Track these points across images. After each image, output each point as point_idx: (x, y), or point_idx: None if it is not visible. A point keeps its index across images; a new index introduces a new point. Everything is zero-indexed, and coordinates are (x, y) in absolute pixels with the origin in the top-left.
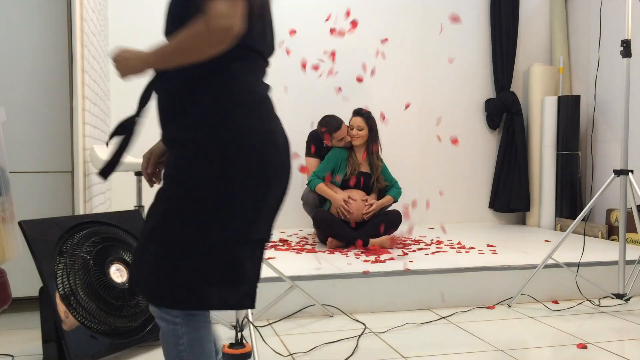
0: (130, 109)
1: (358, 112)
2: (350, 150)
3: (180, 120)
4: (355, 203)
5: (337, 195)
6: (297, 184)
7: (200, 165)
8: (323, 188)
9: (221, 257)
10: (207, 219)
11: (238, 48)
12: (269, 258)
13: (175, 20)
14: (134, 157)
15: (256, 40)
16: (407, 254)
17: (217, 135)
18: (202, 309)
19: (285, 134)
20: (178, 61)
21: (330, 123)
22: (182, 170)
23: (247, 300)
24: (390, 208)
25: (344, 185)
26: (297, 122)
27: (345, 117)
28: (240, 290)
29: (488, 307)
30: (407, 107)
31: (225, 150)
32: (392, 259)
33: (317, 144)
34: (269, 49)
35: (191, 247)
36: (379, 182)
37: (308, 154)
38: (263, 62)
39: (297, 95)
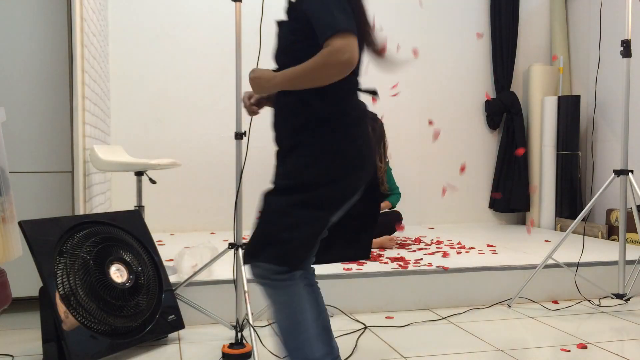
0: (130, 110)
1: None
2: None
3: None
4: None
5: None
6: None
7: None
8: None
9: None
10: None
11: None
12: None
13: (287, 53)
14: (134, 157)
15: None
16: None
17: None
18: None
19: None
20: (302, 86)
21: None
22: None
23: None
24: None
25: None
26: None
27: None
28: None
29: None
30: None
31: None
32: (401, 258)
33: None
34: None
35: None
36: (382, 186)
37: None
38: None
39: None
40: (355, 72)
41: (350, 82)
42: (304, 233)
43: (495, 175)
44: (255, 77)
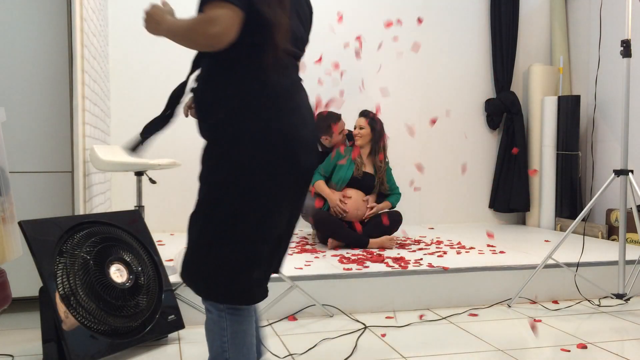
0: (130, 110)
1: (362, 113)
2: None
3: (210, 119)
4: (351, 202)
5: (333, 195)
6: None
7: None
8: (321, 186)
9: (250, 255)
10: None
11: (256, 48)
12: None
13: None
14: (134, 157)
15: (283, 40)
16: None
17: (242, 135)
18: (244, 303)
19: (311, 129)
20: (180, 43)
21: (330, 116)
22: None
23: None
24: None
25: (347, 184)
26: None
27: (346, 119)
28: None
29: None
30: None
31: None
32: (401, 258)
33: None
34: (299, 44)
35: (225, 246)
36: (382, 185)
37: None
38: (291, 58)
39: None
40: (274, 46)
41: (262, 57)
42: (240, 257)
43: (495, 175)
44: (149, 14)
